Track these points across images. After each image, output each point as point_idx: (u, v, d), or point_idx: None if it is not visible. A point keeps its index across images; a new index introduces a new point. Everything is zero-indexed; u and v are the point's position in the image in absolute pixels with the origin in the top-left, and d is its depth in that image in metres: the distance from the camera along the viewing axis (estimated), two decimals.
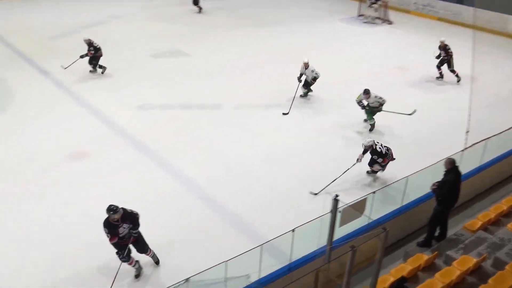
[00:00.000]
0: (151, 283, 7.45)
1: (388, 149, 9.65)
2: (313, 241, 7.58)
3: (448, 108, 13.30)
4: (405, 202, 8.95)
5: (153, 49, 16.98)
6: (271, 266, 7.33)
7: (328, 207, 6.56)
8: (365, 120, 12.08)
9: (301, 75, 13.00)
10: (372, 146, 9.50)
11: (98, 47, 14.39)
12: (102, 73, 14.79)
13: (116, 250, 7.09)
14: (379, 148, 9.53)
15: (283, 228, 7.36)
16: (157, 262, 7.64)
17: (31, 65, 15.26)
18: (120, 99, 13.29)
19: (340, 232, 7.25)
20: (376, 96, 11.49)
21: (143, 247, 7.35)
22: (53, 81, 14.07)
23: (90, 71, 14.72)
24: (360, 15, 22.54)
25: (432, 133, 11.98)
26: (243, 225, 8.64)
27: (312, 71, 12.90)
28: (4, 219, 8.60)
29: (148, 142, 11.13)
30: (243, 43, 18.24)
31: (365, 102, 11.66)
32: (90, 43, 14.24)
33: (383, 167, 9.80)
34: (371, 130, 11.89)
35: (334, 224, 6.74)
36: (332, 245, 6.85)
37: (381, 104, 11.61)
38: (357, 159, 9.66)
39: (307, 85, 13.26)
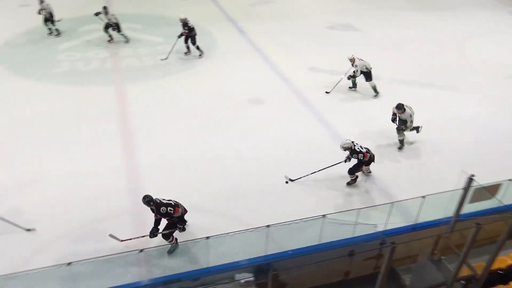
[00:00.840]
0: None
1: (368, 150, 8.12)
2: (439, 210, 7.23)
3: None
4: None
5: (329, 22, 16.79)
6: (397, 222, 7.22)
7: (462, 183, 6.20)
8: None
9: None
10: (351, 147, 7.99)
11: (192, 26, 12.93)
12: (200, 56, 13.33)
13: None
14: (358, 148, 8.03)
15: (414, 194, 7.14)
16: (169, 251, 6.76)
17: (232, 24, 16.23)
18: (295, 60, 13.56)
19: (468, 208, 6.80)
20: (411, 115, 9.08)
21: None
22: (247, 39, 14.90)
23: (185, 53, 13.34)
24: None
25: None
26: (380, 182, 8.50)
27: (364, 62, 11.24)
28: (197, 141, 9.65)
29: (310, 98, 11.37)
30: (408, 24, 17.01)
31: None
32: (185, 23, 12.80)
33: (361, 165, 8.15)
34: (400, 148, 9.50)
35: (464, 200, 6.37)
36: (458, 218, 6.51)
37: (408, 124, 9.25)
38: (345, 160, 8.22)
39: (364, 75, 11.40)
